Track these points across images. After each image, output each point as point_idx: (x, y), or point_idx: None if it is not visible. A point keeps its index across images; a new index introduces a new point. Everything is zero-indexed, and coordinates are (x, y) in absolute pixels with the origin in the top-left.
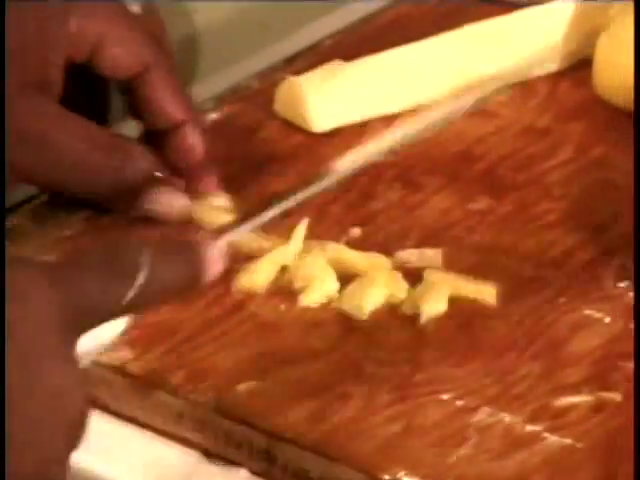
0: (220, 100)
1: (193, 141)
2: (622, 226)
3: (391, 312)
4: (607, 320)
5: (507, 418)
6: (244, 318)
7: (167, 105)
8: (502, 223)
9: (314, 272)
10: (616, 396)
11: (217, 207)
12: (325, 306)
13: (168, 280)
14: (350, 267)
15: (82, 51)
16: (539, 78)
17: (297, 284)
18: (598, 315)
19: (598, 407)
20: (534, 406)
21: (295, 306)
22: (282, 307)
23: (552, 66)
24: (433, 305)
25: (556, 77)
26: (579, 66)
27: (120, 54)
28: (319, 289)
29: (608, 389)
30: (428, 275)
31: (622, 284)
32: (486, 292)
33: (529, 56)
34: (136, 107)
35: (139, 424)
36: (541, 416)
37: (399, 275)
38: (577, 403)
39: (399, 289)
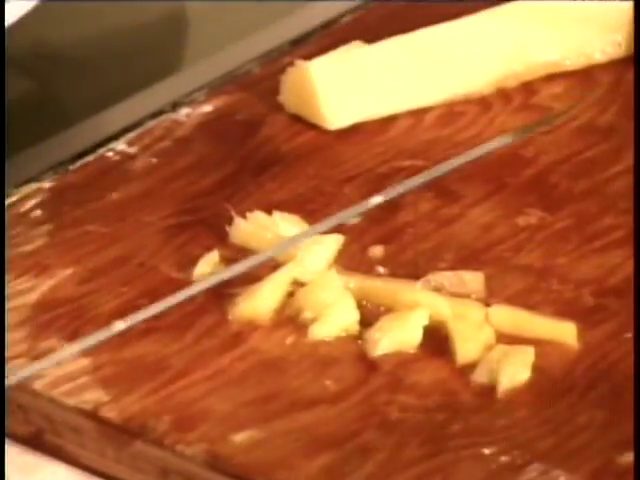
0: (213, 89)
1: None
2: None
3: (422, 347)
4: None
5: (563, 477)
6: (243, 353)
7: None
8: (556, 241)
9: (328, 298)
10: None
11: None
12: (342, 340)
13: None
14: (374, 296)
15: None
16: (601, 65)
17: (307, 313)
18: None
19: None
20: (595, 463)
21: (305, 340)
22: (289, 340)
23: (617, 51)
24: (514, 374)
25: (621, 64)
26: None
27: None
28: (335, 319)
29: None
30: (492, 313)
31: None
32: (567, 332)
33: (589, 38)
34: None
35: None
36: (604, 475)
37: (442, 301)
38: None
39: (440, 316)
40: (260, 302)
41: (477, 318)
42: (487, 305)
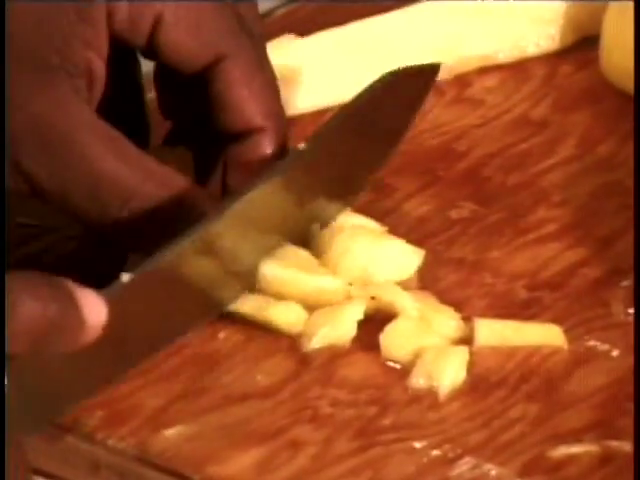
0: (151, 81)
1: (265, 153)
2: (633, 239)
3: (356, 342)
4: (615, 353)
5: (494, 471)
6: (175, 348)
7: (244, 106)
8: (489, 234)
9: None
10: (626, 445)
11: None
12: (274, 334)
13: (36, 319)
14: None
15: (136, 35)
16: (534, 58)
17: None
18: (604, 347)
19: (604, 459)
20: (527, 457)
21: (237, 334)
22: (221, 335)
23: (551, 44)
24: (452, 375)
25: (555, 58)
26: (583, 45)
27: (185, 40)
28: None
29: (616, 437)
30: (479, 327)
31: (633, 310)
32: (554, 335)
33: (523, 31)
34: (208, 106)
35: (45, 476)
36: (535, 469)
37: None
38: (579, 454)
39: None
40: None
41: (446, 326)
42: (464, 318)
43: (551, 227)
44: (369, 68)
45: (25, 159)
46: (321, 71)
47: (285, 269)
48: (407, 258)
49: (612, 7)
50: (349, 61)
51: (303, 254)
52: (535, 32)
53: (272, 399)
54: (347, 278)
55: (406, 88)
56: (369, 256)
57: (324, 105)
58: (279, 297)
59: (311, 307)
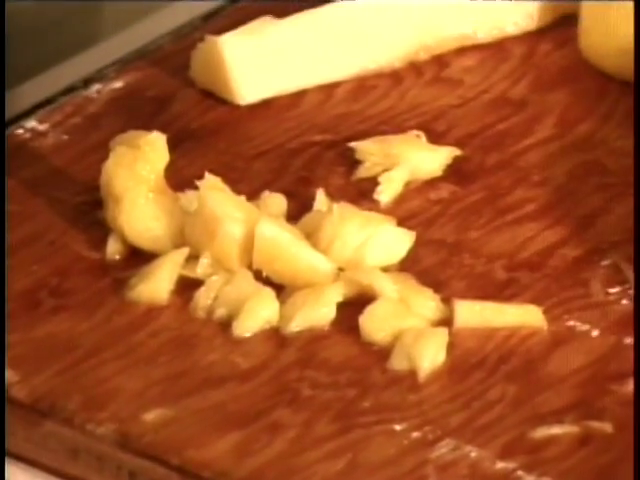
0: (125, 65)
1: None
2: (613, 218)
3: (336, 324)
4: (595, 333)
5: (474, 453)
6: (154, 331)
7: None
8: (468, 215)
9: (245, 293)
10: (606, 426)
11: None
12: None
13: None
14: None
15: None
16: (513, 38)
17: (222, 309)
18: (584, 327)
19: (584, 439)
20: (506, 438)
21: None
22: (199, 318)
23: (529, 23)
24: (432, 357)
25: (534, 37)
26: (562, 24)
27: None
28: (256, 314)
29: (596, 417)
30: (459, 308)
31: (613, 289)
32: (534, 316)
33: (501, 10)
34: None
35: (25, 461)
36: (515, 450)
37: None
38: (559, 435)
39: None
40: (157, 285)
41: (424, 306)
42: (443, 299)
43: (530, 207)
44: (346, 49)
45: None
46: (299, 52)
47: (283, 232)
48: (398, 241)
49: None
50: (326, 42)
51: (297, 232)
52: (513, 11)
53: (251, 382)
54: (337, 262)
55: None
56: (360, 240)
57: (302, 87)
58: (269, 268)
59: (292, 289)
